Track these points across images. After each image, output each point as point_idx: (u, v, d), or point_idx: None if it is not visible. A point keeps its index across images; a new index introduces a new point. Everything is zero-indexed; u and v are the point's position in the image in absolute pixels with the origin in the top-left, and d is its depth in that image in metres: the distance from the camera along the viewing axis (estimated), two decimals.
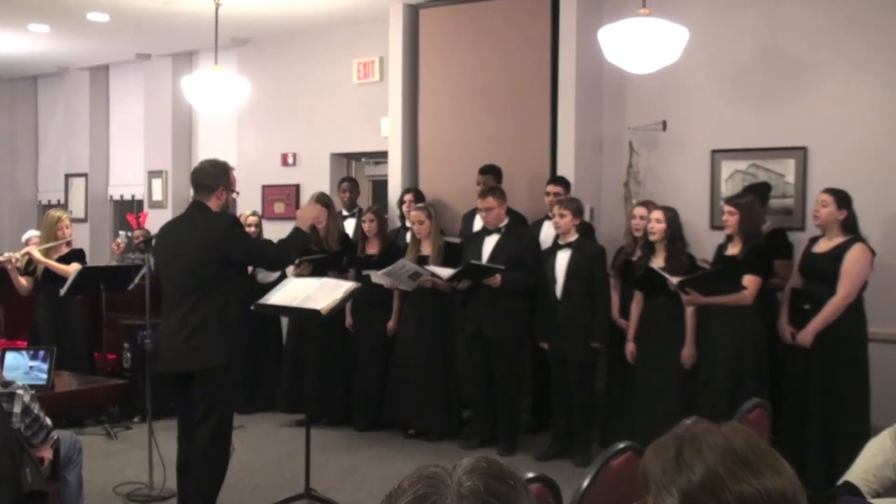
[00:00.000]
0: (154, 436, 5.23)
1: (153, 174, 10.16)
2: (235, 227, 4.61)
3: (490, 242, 6.35)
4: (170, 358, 4.54)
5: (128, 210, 10.48)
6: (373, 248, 6.96)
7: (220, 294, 4.48)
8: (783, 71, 6.43)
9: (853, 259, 5.20)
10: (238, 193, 4.85)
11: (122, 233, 6.79)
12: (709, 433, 1.43)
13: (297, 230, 4.79)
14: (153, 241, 4.96)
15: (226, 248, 4.46)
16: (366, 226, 6.95)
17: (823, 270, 5.28)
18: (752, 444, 1.40)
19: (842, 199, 5.31)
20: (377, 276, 6.52)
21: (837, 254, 5.25)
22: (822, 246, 5.37)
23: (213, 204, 4.58)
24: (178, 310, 4.50)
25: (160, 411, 5.80)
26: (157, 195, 10.12)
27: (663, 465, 1.42)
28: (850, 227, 5.31)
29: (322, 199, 7.09)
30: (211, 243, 4.45)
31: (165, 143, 10.04)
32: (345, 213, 7.74)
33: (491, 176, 6.90)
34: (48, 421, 3.84)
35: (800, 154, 6.34)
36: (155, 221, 9.28)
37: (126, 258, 8.08)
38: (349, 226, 7.53)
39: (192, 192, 4.80)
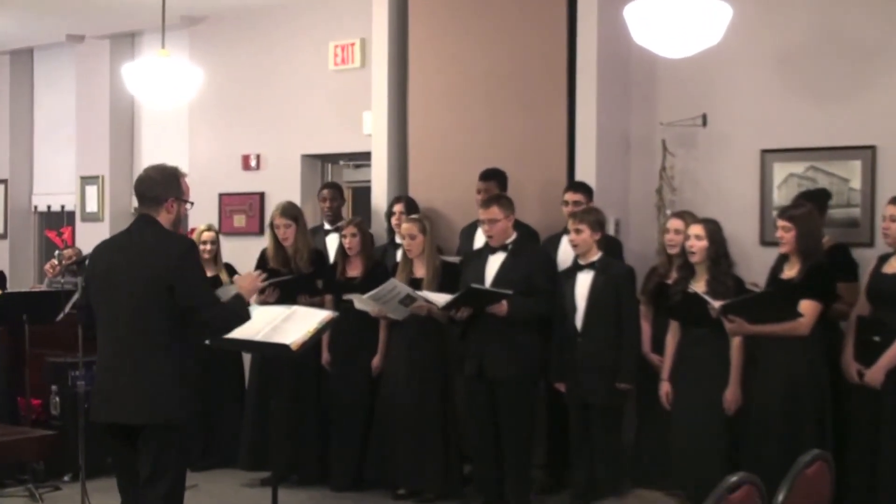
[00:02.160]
0: (88, 497, 5.24)
1: (87, 180, 10.18)
2: (192, 253, 4.62)
3: (495, 262, 6.38)
4: (110, 405, 4.54)
5: (56, 223, 10.51)
6: (355, 270, 6.99)
7: (172, 329, 4.49)
8: (846, 55, 6.48)
9: None
10: (192, 204, 4.88)
11: (58, 252, 6.85)
12: None
13: (239, 297, 4.78)
14: (87, 263, 4.97)
15: (175, 277, 4.47)
16: (346, 242, 6.98)
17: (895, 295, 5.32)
18: None
19: None
20: (361, 302, 6.55)
21: None
22: (894, 265, 5.42)
23: (164, 218, 4.60)
24: (120, 347, 4.50)
25: (96, 468, 5.81)
26: (92, 206, 10.14)
27: None
28: None
29: (290, 211, 7.13)
30: (161, 269, 4.46)
31: (102, 142, 10.07)
32: (327, 226, 7.76)
33: (494, 182, 6.94)
34: None
35: (867, 154, 6.39)
36: (88, 237, 9.33)
37: (55, 282, 8.09)
38: (333, 243, 7.51)
39: (134, 203, 4.82)
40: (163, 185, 4.64)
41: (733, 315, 5.45)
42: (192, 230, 7.76)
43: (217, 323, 4.70)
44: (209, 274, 7.09)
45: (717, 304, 5.45)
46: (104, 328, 4.62)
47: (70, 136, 10.44)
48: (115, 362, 4.51)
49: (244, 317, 4.76)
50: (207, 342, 5.15)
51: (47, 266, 8.37)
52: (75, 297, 6.55)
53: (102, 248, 4.78)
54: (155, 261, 4.47)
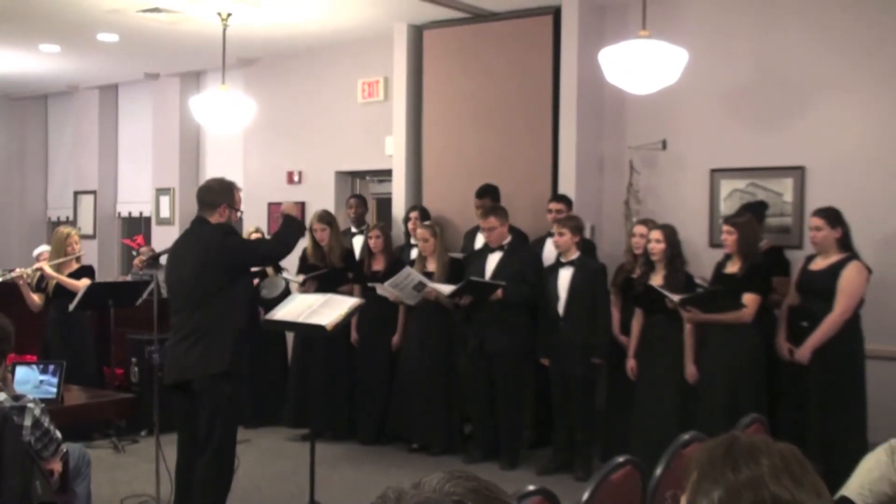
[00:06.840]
0: (161, 449, 5.25)
1: (161, 191, 10.22)
2: (230, 236, 4.67)
3: (493, 260, 6.39)
4: (172, 368, 4.60)
5: (136, 228, 10.54)
6: (378, 265, 7.00)
7: (221, 303, 4.53)
8: (781, 92, 6.47)
9: (849, 277, 5.25)
10: (242, 213, 4.89)
11: (135, 251, 6.92)
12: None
13: (287, 217, 4.84)
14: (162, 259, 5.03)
15: (221, 255, 4.51)
16: (372, 242, 7.00)
17: (820, 288, 5.32)
18: (801, 460, 1.49)
19: (833, 218, 5.36)
20: (382, 289, 6.57)
21: (833, 271, 5.29)
22: (819, 263, 5.41)
23: (214, 220, 4.63)
24: (182, 322, 4.57)
25: (167, 425, 5.81)
26: (165, 212, 10.17)
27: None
28: (846, 244, 5.36)
29: (325, 217, 7.14)
30: (208, 254, 4.51)
31: (173, 160, 10.10)
32: (353, 229, 7.78)
33: (488, 198, 6.92)
34: (58, 434, 3.86)
35: (798, 173, 6.38)
36: (162, 238, 9.36)
37: (134, 274, 8.12)
38: (358, 243, 7.55)
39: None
40: (219, 193, 4.66)
41: (690, 306, 5.46)
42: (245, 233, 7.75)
43: (275, 251, 4.83)
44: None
45: (675, 297, 5.45)
46: (173, 309, 4.66)
47: (147, 156, 10.47)
48: (177, 333, 4.56)
49: (294, 227, 4.80)
50: (261, 324, 5.18)
51: (136, 261, 8.43)
52: (151, 286, 6.55)
53: (170, 249, 4.83)
54: (202, 248, 4.51)
